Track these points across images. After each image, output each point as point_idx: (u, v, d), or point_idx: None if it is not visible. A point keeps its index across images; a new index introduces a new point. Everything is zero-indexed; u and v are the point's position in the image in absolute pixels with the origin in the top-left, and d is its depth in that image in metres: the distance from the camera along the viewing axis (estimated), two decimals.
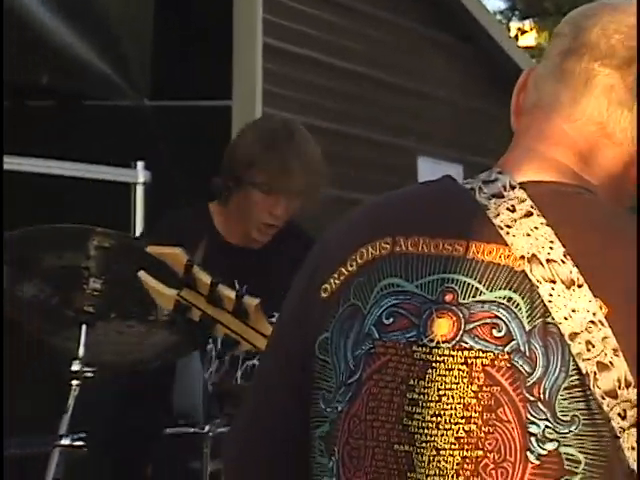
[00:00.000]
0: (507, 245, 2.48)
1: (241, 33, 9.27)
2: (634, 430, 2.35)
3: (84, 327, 5.20)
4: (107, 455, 5.44)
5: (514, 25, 20.26)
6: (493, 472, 2.39)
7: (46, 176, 6.85)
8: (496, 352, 2.42)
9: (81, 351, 5.17)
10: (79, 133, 7.38)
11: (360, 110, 10.80)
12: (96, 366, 5.20)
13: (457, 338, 2.45)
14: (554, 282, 2.43)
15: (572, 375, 2.37)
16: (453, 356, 2.44)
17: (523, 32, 20.91)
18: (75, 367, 5.13)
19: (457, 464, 2.42)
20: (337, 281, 2.60)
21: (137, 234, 6.78)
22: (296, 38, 10.17)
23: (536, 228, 2.50)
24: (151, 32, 7.80)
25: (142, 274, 4.75)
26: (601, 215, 2.61)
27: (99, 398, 5.50)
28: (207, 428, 5.47)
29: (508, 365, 2.40)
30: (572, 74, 2.69)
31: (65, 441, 5.07)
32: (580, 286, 2.41)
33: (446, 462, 2.43)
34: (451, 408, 2.44)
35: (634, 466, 2.35)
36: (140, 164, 6.89)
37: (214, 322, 4.27)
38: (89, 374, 5.16)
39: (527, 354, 2.41)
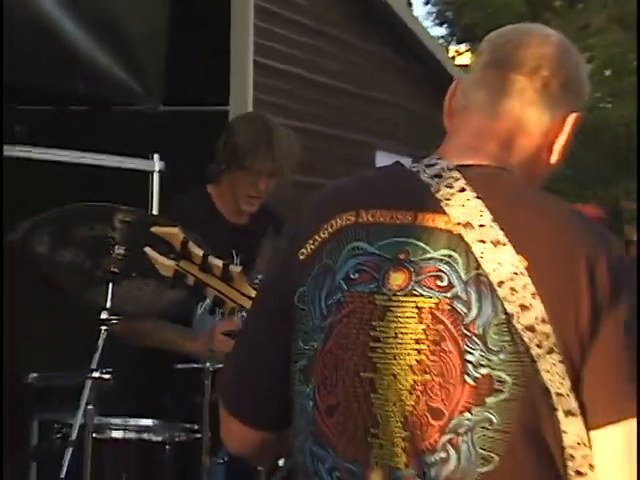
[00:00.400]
0: (446, 214, 2.65)
1: (237, 52, 9.34)
2: (548, 356, 2.50)
3: (110, 285, 5.29)
4: (129, 387, 5.49)
5: (452, 48, 20.32)
6: (438, 392, 2.55)
7: (81, 165, 6.92)
8: (440, 298, 2.58)
9: (108, 303, 5.27)
10: (107, 133, 7.43)
11: (334, 115, 10.93)
12: (120, 315, 5.31)
13: (409, 287, 2.61)
14: (484, 242, 2.59)
15: (500, 314, 2.53)
16: (406, 302, 2.61)
17: (460, 53, 20.91)
18: (103, 316, 5.23)
19: (410, 386, 2.57)
20: (312, 246, 2.76)
21: (154, 212, 6.82)
22: (282, 57, 10.27)
23: (468, 200, 2.66)
24: (165, 47, 7.87)
25: (148, 249, 4.91)
26: (516, 190, 2.79)
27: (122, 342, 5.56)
28: (208, 364, 5.54)
29: (449, 308, 2.57)
30: (492, 82, 2.88)
31: (96, 374, 5.17)
32: (504, 245, 2.57)
33: (401, 385, 2.58)
34: (405, 342, 2.60)
35: (548, 385, 2.51)
36: (156, 156, 6.94)
37: (205, 286, 4.41)
38: (115, 322, 5.26)
39: (464, 299, 2.57)
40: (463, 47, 22.64)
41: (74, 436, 5.14)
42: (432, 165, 2.80)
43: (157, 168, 6.98)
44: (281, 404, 2.80)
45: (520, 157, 2.86)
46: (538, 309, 2.52)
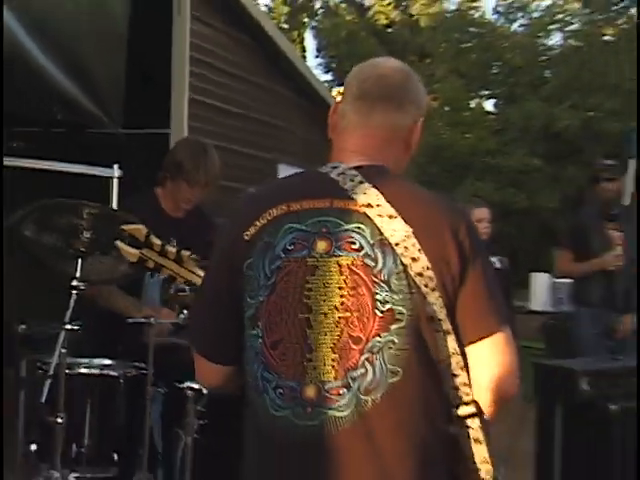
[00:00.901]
0: (353, 199, 2.86)
1: (176, 90, 9.41)
2: (432, 293, 2.77)
3: (79, 260, 5.38)
4: (93, 335, 5.58)
5: (335, 89, 20.09)
6: (357, 324, 2.76)
7: (59, 172, 7.03)
8: (354, 256, 2.81)
9: (78, 274, 5.35)
10: (79, 148, 7.45)
11: (247, 137, 10.99)
12: (86, 282, 5.43)
13: (331, 251, 2.83)
14: (382, 216, 2.82)
15: (398, 266, 2.78)
16: (330, 261, 2.82)
17: (341, 93, 20.72)
18: (74, 283, 5.32)
19: (336, 321, 2.78)
20: (254, 230, 2.90)
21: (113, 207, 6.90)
22: (209, 95, 10.30)
23: (367, 189, 2.88)
24: (123, 84, 7.72)
25: (118, 242, 5.04)
26: (397, 181, 3.05)
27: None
28: (152, 319, 5.59)
29: (361, 263, 2.80)
30: (362, 109, 3.09)
31: (68, 326, 5.28)
32: (396, 217, 2.81)
33: (329, 321, 2.79)
34: (331, 290, 2.80)
35: (432, 314, 2.77)
36: (116, 166, 7.01)
37: (161, 267, 4.58)
38: (82, 287, 5.40)
39: (372, 256, 2.79)
40: (343, 89, 22.56)
41: (52, 372, 5.22)
42: (336, 167, 2.98)
43: (116, 175, 7.08)
44: (237, 344, 2.90)
45: (390, 157, 3.08)
46: (423, 261, 2.76)
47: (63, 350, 5.28)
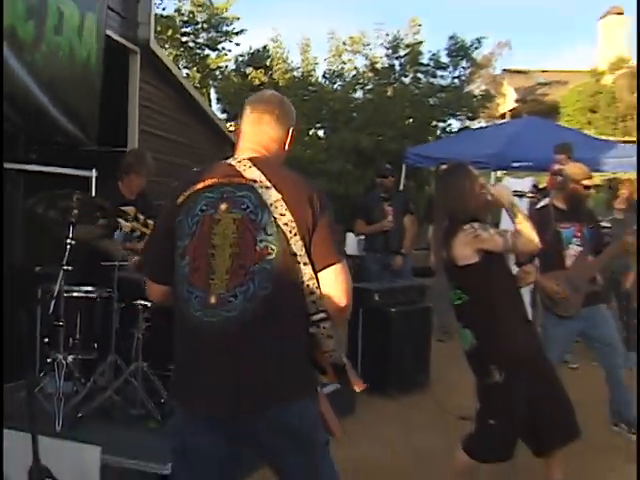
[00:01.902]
0: (244, 177, 2.83)
1: (131, 122, 9.34)
2: (294, 237, 2.73)
3: (71, 227, 5.28)
4: (80, 271, 5.48)
5: (228, 124, 19.85)
6: (243, 256, 2.73)
7: (56, 174, 6.91)
8: (243, 214, 2.77)
9: (70, 234, 5.25)
10: (72, 160, 7.22)
11: (177, 151, 10.88)
12: (76, 240, 5.33)
13: (230, 210, 2.79)
14: (262, 187, 2.79)
15: (271, 218, 2.74)
16: (228, 216, 2.79)
17: (232, 126, 20.39)
18: (68, 240, 5.24)
19: (229, 254, 2.75)
20: (182, 198, 2.88)
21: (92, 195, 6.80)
22: (152, 124, 10.20)
23: (253, 170, 2.84)
24: (97, 112, 7.62)
25: (120, 220, 5.17)
26: (277, 166, 2.98)
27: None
28: (116, 262, 5.68)
29: (247, 218, 2.77)
30: (253, 119, 3.05)
31: (65, 267, 5.20)
32: (271, 188, 2.78)
33: (226, 254, 2.75)
34: (228, 235, 2.76)
35: (294, 250, 2.73)
36: (93, 169, 6.96)
37: (142, 232, 4.77)
38: (73, 242, 5.29)
39: (255, 213, 2.76)
40: (233, 123, 22.29)
41: (55, 294, 5.21)
42: (235, 158, 2.94)
43: (94, 175, 7.01)
44: (171, 271, 2.85)
45: (272, 152, 3.03)
46: (288, 216, 2.74)
47: (62, 281, 5.22)
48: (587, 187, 5.94)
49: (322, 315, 2.79)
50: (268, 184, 2.82)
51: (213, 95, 25.89)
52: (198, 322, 2.74)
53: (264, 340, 2.71)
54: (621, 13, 38.16)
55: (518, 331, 4.35)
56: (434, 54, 22.77)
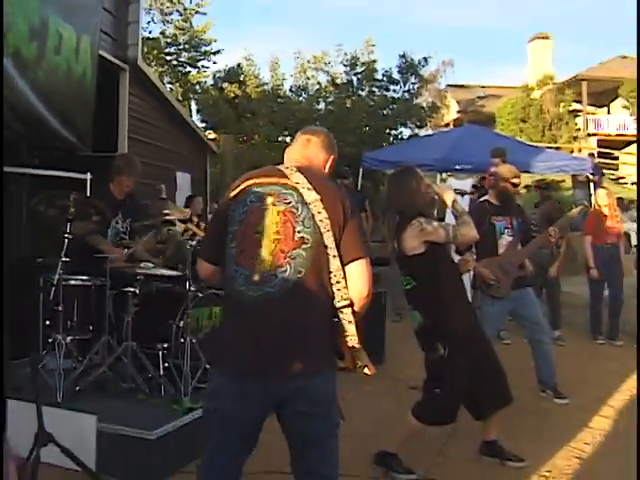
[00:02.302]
0: (289, 179, 2.89)
1: (121, 130, 9.25)
2: (327, 233, 2.79)
3: (69, 223, 5.22)
4: (77, 262, 5.39)
5: (208, 132, 19.81)
6: (284, 242, 2.79)
7: (57, 177, 6.79)
8: (286, 207, 2.84)
9: (67, 230, 5.20)
10: (71, 164, 7.13)
11: (159, 155, 10.71)
12: (73, 235, 5.28)
13: (275, 203, 2.85)
14: (303, 188, 2.86)
15: (309, 214, 2.81)
16: (273, 209, 2.84)
17: (211, 134, 20.29)
18: (66, 235, 5.19)
19: (273, 240, 2.80)
20: (236, 191, 2.93)
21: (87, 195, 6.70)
22: (139, 132, 10.07)
23: (298, 175, 2.91)
24: (91, 121, 7.51)
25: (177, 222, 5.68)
26: (319, 175, 3.03)
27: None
28: (110, 256, 5.64)
29: (290, 211, 2.83)
30: (302, 140, 3.17)
31: (63, 259, 5.15)
32: (311, 190, 2.85)
33: (270, 239, 2.80)
34: (272, 223, 2.82)
35: (326, 244, 2.79)
36: (88, 173, 6.86)
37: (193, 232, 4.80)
38: (71, 237, 5.23)
39: (296, 208, 2.83)
40: (212, 132, 22.17)
41: (55, 283, 5.16)
42: (284, 165, 3.02)
43: (89, 177, 6.92)
44: (222, 251, 2.90)
45: (315, 166, 3.09)
46: (324, 214, 2.80)
47: (61, 271, 5.18)
48: (515, 185, 6.04)
49: (346, 302, 2.80)
50: (309, 186, 2.87)
51: (194, 107, 25.80)
52: (242, 296, 2.78)
53: (297, 315, 2.76)
54: (547, 37, 38.43)
55: (459, 311, 4.43)
56: (387, 71, 22.98)
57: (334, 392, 2.88)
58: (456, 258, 4.97)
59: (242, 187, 2.95)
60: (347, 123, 20.45)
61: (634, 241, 9.90)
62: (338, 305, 2.80)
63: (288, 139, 23.55)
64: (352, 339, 2.81)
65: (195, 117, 24.17)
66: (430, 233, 4.25)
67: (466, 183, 9.82)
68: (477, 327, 4.64)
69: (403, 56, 22.89)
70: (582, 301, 10.32)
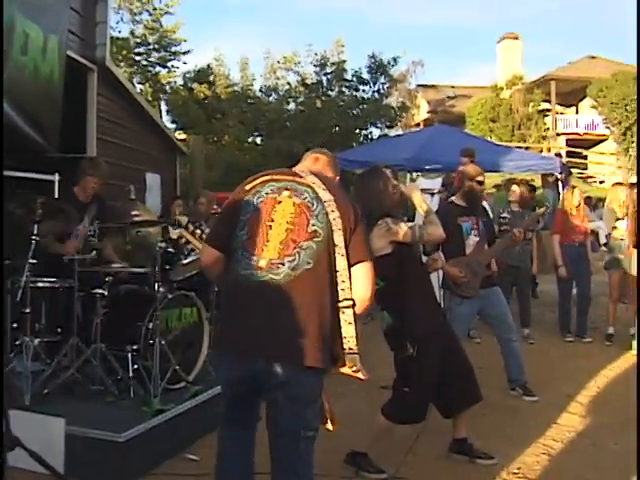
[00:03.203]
0: (305, 179, 3.03)
1: (90, 131, 9.18)
2: (338, 231, 2.87)
3: (35, 225, 5.17)
4: (44, 265, 5.37)
5: (177, 133, 19.66)
6: (297, 232, 2.87)
7: (26, 178, 6.74)
8: (302, 201, 2.95)
9: (35, 230, 5.16)
10: (39, 165, 7.05)
11: (129, 156, 10.59)
12: (42, 236, 5.25)
13: (291, 197, 2.95)
14: (319, 188, 2.98)
15: (323, 211, 2.90)
16: (289, 201, 2.95)
17: (181, 135, 20.15)
18: (34, 237, 5.14)
19: (285, 230, 2.88)
20: (250, 186, 3.04)
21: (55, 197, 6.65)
22: (106, 133, 9.97)
23: (313, 177, 3.05)
24: (59, 124, 7.46)
25: (170, 229, 5.95)
26: (331, 180, 3.21)
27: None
28: (76, 256, 5.59)
29: (305, 205, 2.93)
30: (312, 158, 3.39)
31: (30, 261, 5.12)
32: (325, 190, 2.97)
33: (282, 229, 2.89)
34: (286, 213, 2.91)
35: (336, 242, 2.86)
36: (56, 174, 6.83)
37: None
38: (38, 239, 5.18)
39: (312, 203, 2.93)
40: (182, 133, 22.02)
41: (22, 285, 5.09)
42: (301, 170, 3.15)
43: (57, 179, 6.89)
44: (228, 241, 2.95)
45: (325, 174, 3.23)
46: (336, 213, 2.89)
47: (28, 274, 5.12)
48: (480, 183, 6.12)
49: (348, 302, 2.84)
50: (324, 187, 2.98)
51: (163, 107, 25.69)
52: (246, 280, 2.85)
53: (299, 305, 2.78)
54: (516, 37, 38.74)
55: (427, 311, 4.47)
56: (356, 71, 22.99)
57: (317, 393, 2.91)
58: (424, 259, 5.00)
59: (258, 181, 3.05)
60: (317, 123, 20.49)
61: (602, 239, 9.98)
62: (341, 305, 2.84)
63: (258, 140, 23.59)
64: (350, 341, 2.84)
65: (165, 118, 24.07)
66: (397, 233, 4.28)
67: (436, 182, 9.87)
68: (446, 326, 4.69)
69: (372, 56, 22.92)
70: (551, 299, 10.50)
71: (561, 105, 36.46)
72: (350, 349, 2.84)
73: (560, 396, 6.43)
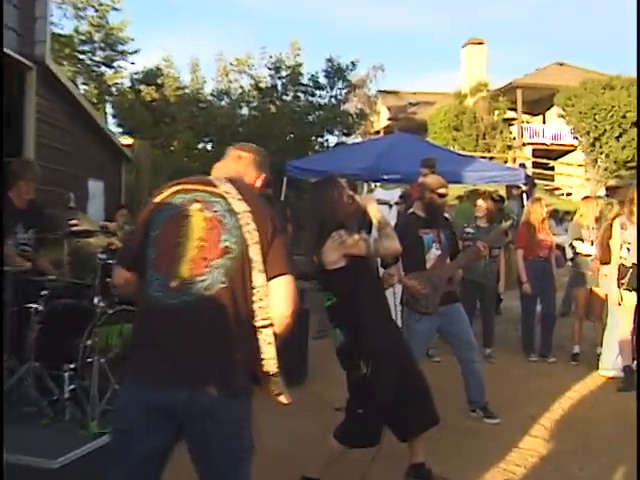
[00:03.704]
0: (218, 188, 2.91)
1: (27, 136, 9.05)
2: (254, 245, 2.77)
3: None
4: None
5: (122, 137, 19.40)
6: (208, 250, 2.77)
7: None
8: (213, 214, 2.84)
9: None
10: None
11: (68, 161, 10.50)
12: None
13: (201, 209, 2.84)
14: (233, 198, 2.87)
15: (236, 224, 2.80)
16: (200, 214, 2.84)
17: (127, 140, 19.91)
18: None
19: (196, 246, 2.78)
20: (160, 197, 2.92)
21: None
22: (46, 136, 9.86)
23: (227, 185, 2.94)
24: None
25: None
26: (250, 188, 3.11)
27: None
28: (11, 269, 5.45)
29: (217, 219, 2.82)
30: (234, 156, 3.25)
31: None
32: (241, 200, 2.87)
33: (192, 245, 2.79)
34: (197, 229, 2.81)
35: (251, 256, 2.77)
36: None
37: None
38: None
39: (224, 216, 2.83)
40: (128, 138, 21.82)
41: None
42: (215, 177, 3.05)
43: None
44: (140, 258, 2.86)
45: (245, 179, 3.14)
46: (252, 225, 2.79)
47: None
48: (442, 195, 6.12)
49: (265, 322, 2.76)
50: (239, 197, 2.88)
51: (109, 110, 25.51)
52: (157, 302, 2.75)
53: (214, 328, 2.71)
54: (481, 43, 39.19)
55: (382, 328, 4.47)
56: (313, 75, 23.02)
57: (247, 413, 2.83)
58: (382, 271, 5.00)
59: (167, 193, 2.94)
60: (271, 129, 20.46)
61: (569, 254, 10.09)
62: (258, 325, 2.76)
63: (209, 146, 23.52)
64: (269, 363, 2.78)
65: (110, 121, 23.91)
66: (350, 246, 4.27)
67: (394, 194, 9.92)
68: (402, 344, 4.69)
69: (330, 60, 23.00)
70: (515, 316, 10.58)
71: (527, 114, 36.91)
72: (270, 371, 2.79)
73: (522, 418, 6.47)
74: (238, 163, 3.20)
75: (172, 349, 2.70)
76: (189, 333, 2.70)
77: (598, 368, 8.31)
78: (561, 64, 37.26)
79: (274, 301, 2.80)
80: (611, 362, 8.11)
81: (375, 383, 4.30)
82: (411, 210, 6.35)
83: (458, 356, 6.38)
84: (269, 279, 2.79)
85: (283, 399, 2.83)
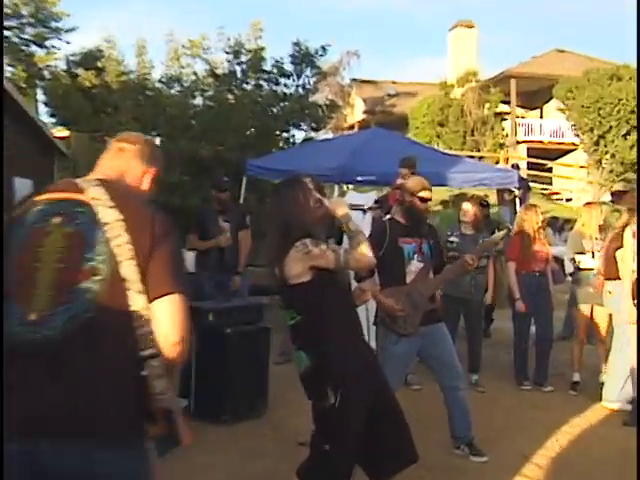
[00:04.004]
0: (85, 194, 2.75)
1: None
2: (128, 261, 2.62)
3: None
4: None
5: (55, 129, 19.26)
6: (70, 273, 2.62)
7: None
8: (75, 228, 2.69)
9: None
10: None
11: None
12: None
13: (62, 224, 2.69)
14: (101, 206, 2.71)
15: (103, 238, 2.64)
16: (59, 230, 2.68)
17: (60, 132, 19.72)
18: None
19: (55, 269, 2.63)
20: (20, 211, 2.77)
21: None
22: None
23: (97, 189, 2.78)
24: None
25: None
26: (127, 190, 2.96)
27: None
28: None
29: (79, 233, 2.66)
30: (114, 151, 3.11)
31: None
32: (112, 207, 2.71)
33: (51, 268, 2.65)
34: (55, 249, 2.66)
35: (127, 276, 2.61)
36: None
37: None
38: None
39: (88, 230, 2.70)
40: (63, 129, 21.67)
41: None
42: (84, 178, 2.91)
43: None
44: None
45: (130, 180, 3.04)
46: (125, 237, 2.63)
47: None
48: (424, 200, 6.06)
49: (152, 352, 2.63)
50: (110, 204, 2.73)
51: (40, 96, 25.29)
52: (17, 339, 2.58)
53: (86, 366, 2.57)
54: (471, 26, 39.43)
55: (353, 351, 4.40)
56: (277, 61, 22.93)
57: (137, 471, 2.68)
58: (353, 286, 4.97)
59: (25, 206, 2.82)
60: (228, 122, 20.37)
61: (569, 268, 10.06)
62: (143, 355, 2.63)
63: (157, 140, 23.41)
64: (162, 398, 2.66)
65: (42, 109, 23.71)
66: (317, 257, 4.20)
67: (368, 197, 9.93)
68: (376, 370, 4.63)
69: (297, 44, 22.93)
70: (506, 338, 10.59)
71: (522, 108, 37.23)
72: (163, 408, 2.67)
73: (514, 456, 6.47)
74: (119, 158, 3.10)
75: (33, 394, 2.55)
76: (51, 373, 2.55)
77: (601, 399, 8.30)
78: (561, 51, 37.62)
79: (159, 327, 2.66)
80: (616, 392, 8.10)
81: (344, 414, 4.24)
82: (389, 216, 6.29)
83: (440, 383, 6.35)
84: (151, 300, 2.66)
85: (184, 440, 2.71)
